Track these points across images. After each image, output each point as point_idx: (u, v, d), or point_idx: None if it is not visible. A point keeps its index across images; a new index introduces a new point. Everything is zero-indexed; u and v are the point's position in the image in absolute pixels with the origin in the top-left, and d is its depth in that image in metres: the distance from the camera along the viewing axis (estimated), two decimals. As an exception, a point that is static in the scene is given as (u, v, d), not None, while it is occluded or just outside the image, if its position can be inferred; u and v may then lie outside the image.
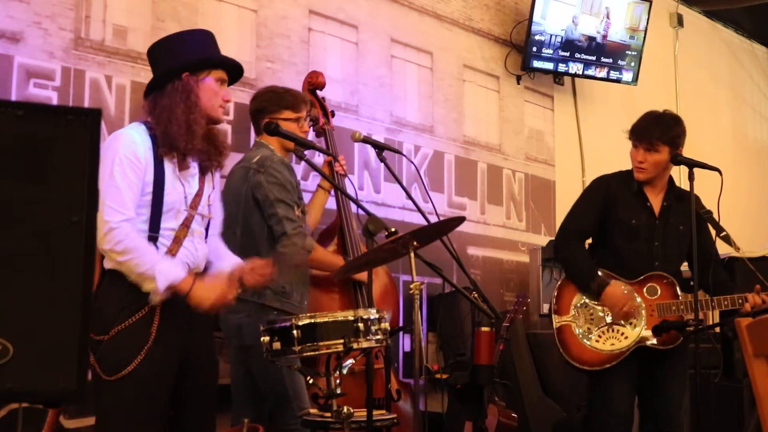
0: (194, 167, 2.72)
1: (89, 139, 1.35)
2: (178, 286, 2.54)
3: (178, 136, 2.61)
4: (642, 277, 3.69)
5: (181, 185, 2.66)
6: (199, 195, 2.71)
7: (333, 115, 4.18)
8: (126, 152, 2.57)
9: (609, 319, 3.66)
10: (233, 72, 2.85)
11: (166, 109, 2.64)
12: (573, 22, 5.72)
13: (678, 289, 3.69)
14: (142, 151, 2.59)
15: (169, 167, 2.63)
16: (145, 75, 3.82)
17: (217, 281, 2.64)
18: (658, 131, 3.66)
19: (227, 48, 3.74)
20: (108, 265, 2.58)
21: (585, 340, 3.66)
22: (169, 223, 2.63)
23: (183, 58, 2.72)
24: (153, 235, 2.60)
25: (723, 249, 3.70)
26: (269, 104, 3.64)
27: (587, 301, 3.70)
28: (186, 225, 2.65)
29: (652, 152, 3.66)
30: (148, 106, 2.71)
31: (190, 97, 2.66)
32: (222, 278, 2.66)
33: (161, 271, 2.51)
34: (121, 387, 2.51)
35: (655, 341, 3.60)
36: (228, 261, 2.84)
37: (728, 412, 4.63)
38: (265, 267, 2.79)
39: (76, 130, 1.34)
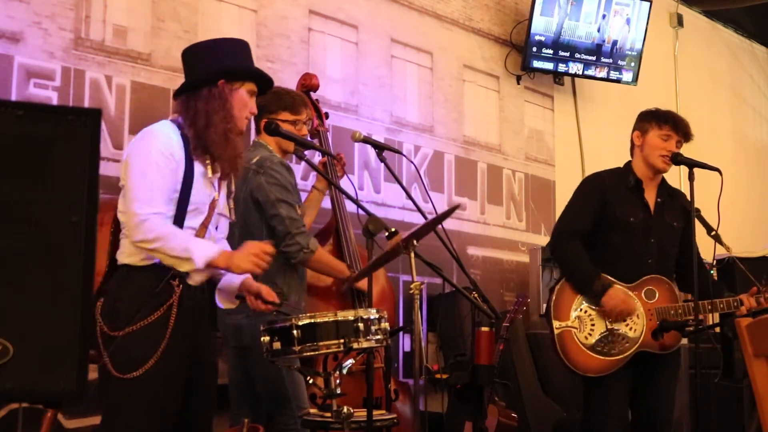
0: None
1: (89, 139, 1.35)
2: (215, 262, 2.56)
3: (214, 142, 2.63)
4: (640, 281, 3.67)
5: (212, 187, 2.69)
6: (216, 198, 2.73)
7: (327, 117, 4.18)
8: (162, 148, 2.57)
9: (609, 325, 3.63)
10: (262, 85, 2.85)
11: (203, 114, 2.64)
12: (573, 20, 5.72)
13: (677, 292, 3.68)
14: (177, 149, 2.60)
15: (198, 168, 2.65)
16: (145, 75, 3.83)
17: (249, 248, 2.65)
18: (690, 129, 3.71)
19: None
20: (125, 260, 2.58)
21: (585, 346, 3.64)
22: (191, 222, 2.64)
23: (222, 65, 2.72)
24: None
25: (722, 249, 3.70)
26: (268, 104, 3.63)
27: (587, 305, 3.67)
28: (205, 225, 2.68)
29: (679, 147, 3.68)
30: (180, 106, 2.71)
31: (226, 105, 2.68)
32: (251, 245, 2.68)
33: (196, 249, 2.53)
34: (133, 386, 2.50)
35: (655, 347, 3.59)
36: (237, 275, 2.84)
37: (728, 412, 4.63)
38: (272, 296, 2.80)
39: (76, 130, 1.34)
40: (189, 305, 2.59)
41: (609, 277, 3.66)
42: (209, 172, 2.66)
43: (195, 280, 2.59)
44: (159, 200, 2.54)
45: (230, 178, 2.80)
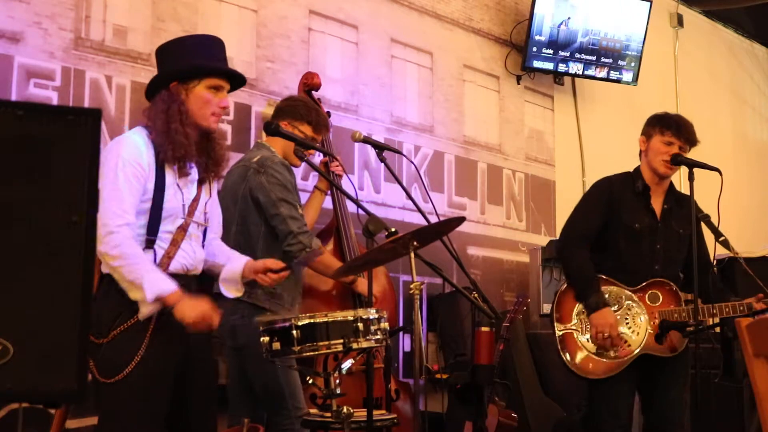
0: (194, 173, 2.73)
1: (89, 139, 1.35)
2: (165, 298, 2.54)
3: (178, 144, 2.62)
4: (644, 284, 3.68)
5: (180, 193, 2.67)
6: (196, 201, 2.72)
7: (329, 116, 4.18)
8: (129, 157, 2.58)
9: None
10: (235, 77, 2.83)
11: (161, 118, 2.65)
12: (573, 21, 5.71)
13: (680, 295, 3.68)
14: (146, 158, 2.61)
15: (170, 174, 2.65)
16: (145, 75, 3.82)
17: (202, 302, 2.62)
18: (695, 135, 3.72)
19: (227, 48, 3.73)
20: (105, 269, 2.59)
21: (587, 348, 3.64)
22: (167, 227, 2.64)
23: (173, 67, 2.72)
24: (150, 239, 2.61)
25: (722, 249, 3.70)
26: (294, 110, 3.63)
27: None
28: (183, 228, 2.67)
29: (683, 151, 3.69)
30: (146, 112, 2.73)
31: (171, 106, 2.66)
32: (207, 301, 2.64)
33: (151, 282, 2.51)
34: (119, 390, 2.53)
35: (659, 350, 3.59)
36: (238, 261, 2.86)
37: (728, 412, 4.62)
38: (278, 266, 2.80)
39: (76, 130, 1.34)
40: None
41: (610, 279, 3.67)
42: (178, 176, 2.66)
43: (142, 313, 2.55)
44: (129, 210, 2.55)
45: (209, 181, 2.78)
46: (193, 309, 2.56)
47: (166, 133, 2.63)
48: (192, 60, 2.73)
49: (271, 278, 2.83)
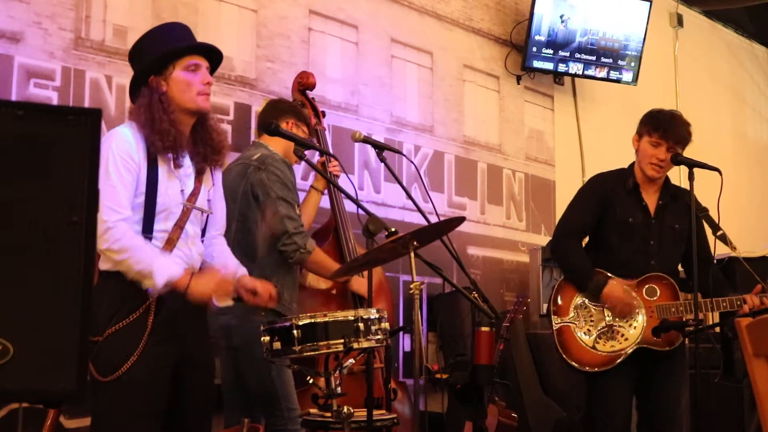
0: (189, 166, 2.71)
1: (89, 139, 1.35)
2: (175, 282, 2.55)
3: (147, 135, 2.62)
4: (641, 278, 3.68)
5: (177, 183, 2.66)
6: (195, 194, 2.70)
7: (324, 116, 4.19)
8: (120, 151, 2.57)
9: (609, 320, 3.65)
10: (210, 54, 2.78)
11: (146, 112, 2.65)
12: (573, 20, 5.71)
13: (678, 289, 3.68)
14: (135, 150, 2.60)
15: (162, 167, 2.64)
16: (145, 75, 3.82)
17: (213, 274, 2.64)
18: (686, 134, 3.69)
19: (227, 48, 3.73)
20: (103, 266, 2.58)
21: (585, 342, 3.65)
22: (162, 225, 2.63)
23: (144, 62, 2.71)
24: (146, 236, 2.60)
25: (722, 249, 3.70)
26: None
27: (587, 301, 3.69)
28: (180, 226, 2.65)
29: (671, 152, 3.66)
30: (131, 110, 2.75)
31: (152, 98, 2.65)
32: (217, 271, 2.67)
33: (159, 267, 2.52)
34: (115, 388, 2.52)
35: (656, 344, 3.60)
36: (232, 273, 2.81)
37: (728, 412, 4.62)
38: (268, 290, 2.79)
39: (76, 130, 1.34)
40: (174, 305, 2.59)
41: (606, 273, 3.67)
42: (172, 166, 2.65)
43: (154, 294, 2.56)
44: (124, 204, 2.54)
45: (210, 170, 2.77)
46: (207, 285, 2.60)
47: (151, 124, 2.62)
48: (158, 48, 2.71)
49: (257, 301, 2.80)
